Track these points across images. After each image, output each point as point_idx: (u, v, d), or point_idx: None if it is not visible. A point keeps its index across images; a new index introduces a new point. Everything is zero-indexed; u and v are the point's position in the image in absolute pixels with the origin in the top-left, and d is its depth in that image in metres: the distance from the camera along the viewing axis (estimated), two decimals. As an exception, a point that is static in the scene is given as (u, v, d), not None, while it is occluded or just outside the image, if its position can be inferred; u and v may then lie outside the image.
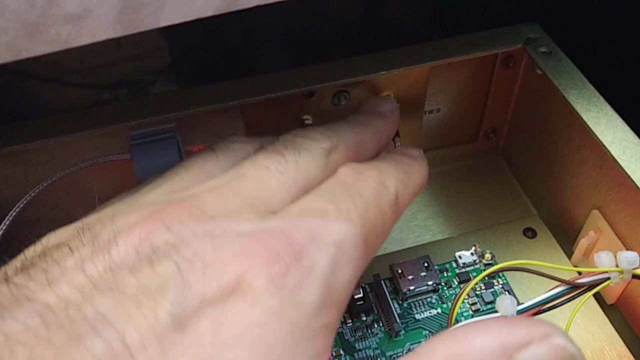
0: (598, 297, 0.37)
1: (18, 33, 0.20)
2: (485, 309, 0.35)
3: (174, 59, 0.48)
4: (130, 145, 0.34)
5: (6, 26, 0.19)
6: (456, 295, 0.35)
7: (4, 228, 0.32)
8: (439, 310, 0.36)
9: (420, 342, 0.34)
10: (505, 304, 0.27)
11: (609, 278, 0.28)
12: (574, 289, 0.28)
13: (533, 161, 0.42)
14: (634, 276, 0.28)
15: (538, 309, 0.27)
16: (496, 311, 0.26)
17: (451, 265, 0.38)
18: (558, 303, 0.28)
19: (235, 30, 0.47)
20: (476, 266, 0.38)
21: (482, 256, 0.38)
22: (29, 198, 0.33)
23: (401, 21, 0.50)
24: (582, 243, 0.36)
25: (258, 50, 0.47)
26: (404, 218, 0.43)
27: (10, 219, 0.32)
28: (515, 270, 0.28)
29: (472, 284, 0.28)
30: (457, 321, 0.28)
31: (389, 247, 0.41)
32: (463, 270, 0.37)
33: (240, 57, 0.48)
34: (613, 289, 0.36)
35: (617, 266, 0.28)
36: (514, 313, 0.27)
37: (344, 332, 0.35)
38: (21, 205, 0.33)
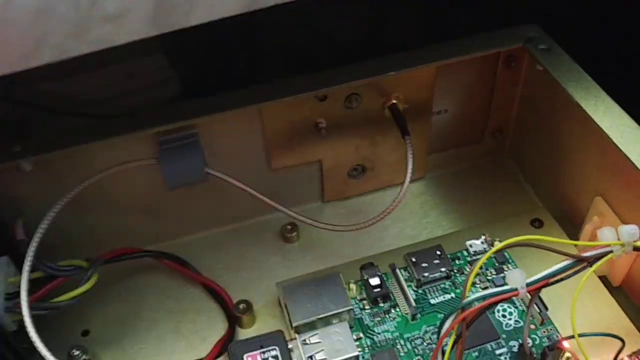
0: (604, 280, 0.38)
1: (64, 34, 0.22)
2: (497, 293, 0.37)
3: (184, 88, 0.49)
4: (160, 148, 0.37)
5: (54, 28, 0.22)
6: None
7: (41, 232, 0.34)
8: (453, 295, 0.37)
9: (435, 324, 0.36)
10: (515, 276, 0.29)
11: (611, 251, 0.29)
12: (579, 263, 0.29)
13: (538, 156, 0.44)
14: (635, 248, 0.29)
15: (546, 282, 0.29)
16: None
17: (462, 254, 0.40)
18: (565, 276, 0.29)
19: (247, 58, 0.48)
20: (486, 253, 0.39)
21: (491, 244, 0.39)
22: (62, 204, 0.35)
23: (396, 36, 0.51)
24: (587, 228, 0.38)
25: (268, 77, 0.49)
26: (416, 216, 0.45)
27: (47, 223, 0.34)
28: (522, 246, 0.30)
29: (483, 259, 0.30)
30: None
31: (403, 242, 0.43)
32: (474, 258, 0.39)
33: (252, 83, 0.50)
34: (617, 271, 0.37)
35: (618, 240, 0.29)
36: (524, 285, 0.29)
37: (363, 317, 0.36)
38: (56, 210, 0.35)
